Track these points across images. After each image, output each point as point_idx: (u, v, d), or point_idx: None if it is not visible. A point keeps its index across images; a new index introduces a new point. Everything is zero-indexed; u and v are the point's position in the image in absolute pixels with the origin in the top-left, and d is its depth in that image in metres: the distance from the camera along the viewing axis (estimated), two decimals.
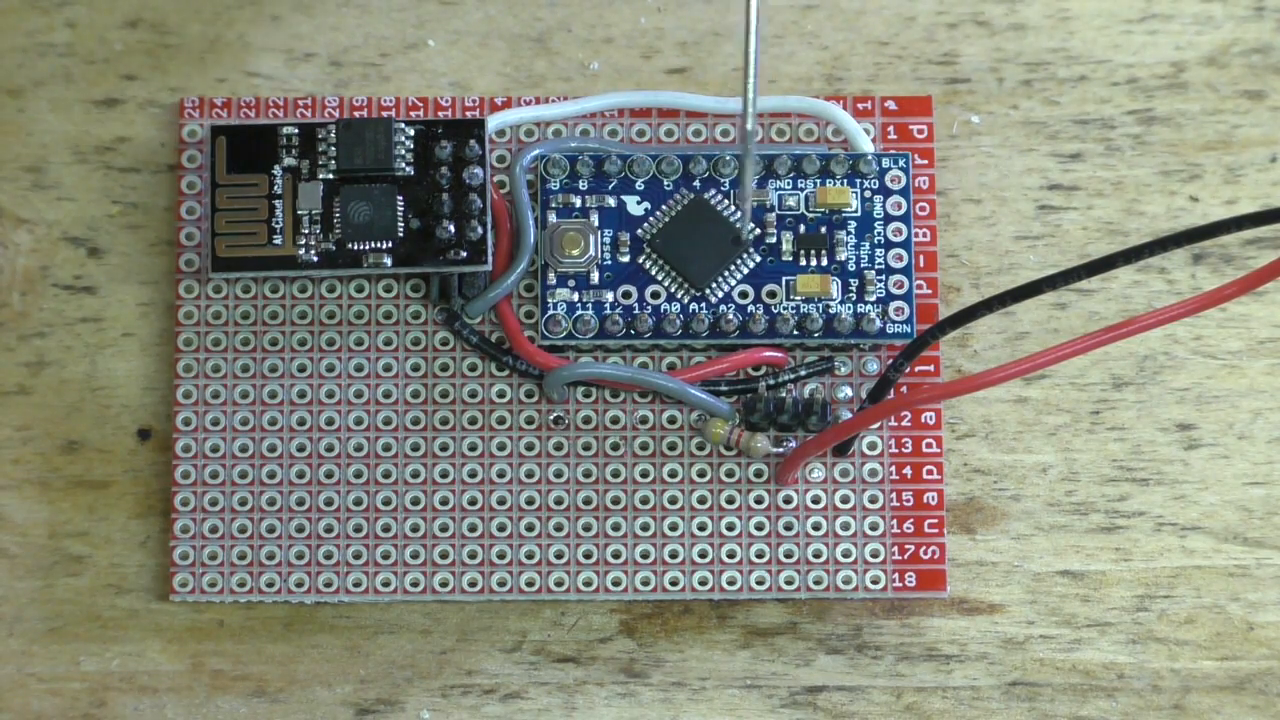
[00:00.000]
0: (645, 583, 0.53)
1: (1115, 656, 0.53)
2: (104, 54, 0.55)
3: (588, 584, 0.53)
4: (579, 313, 0.53)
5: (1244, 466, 0.54)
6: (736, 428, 0.53)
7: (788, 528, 0.53)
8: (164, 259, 0.55)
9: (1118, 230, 0.55)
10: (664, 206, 0.53)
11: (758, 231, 0.52)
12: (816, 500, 0.53)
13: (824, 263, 0.53)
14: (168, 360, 0.54)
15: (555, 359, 0.53)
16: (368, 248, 0.52)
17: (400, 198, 0.52)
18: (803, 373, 0.53)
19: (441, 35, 0.56)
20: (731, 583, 0.53)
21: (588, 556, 0.53)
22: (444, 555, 0.53)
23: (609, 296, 0.53)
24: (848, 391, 0.54)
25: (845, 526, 0.53)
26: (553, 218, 0.53)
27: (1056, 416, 0.54)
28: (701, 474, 0.53)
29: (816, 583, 0.53)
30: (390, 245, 0.52)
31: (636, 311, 0.53)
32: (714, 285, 0.53)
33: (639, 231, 0.53)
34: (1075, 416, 0.54)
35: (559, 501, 0.53)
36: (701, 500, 0.53)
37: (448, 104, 0.55)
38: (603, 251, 0.53)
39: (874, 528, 0.53)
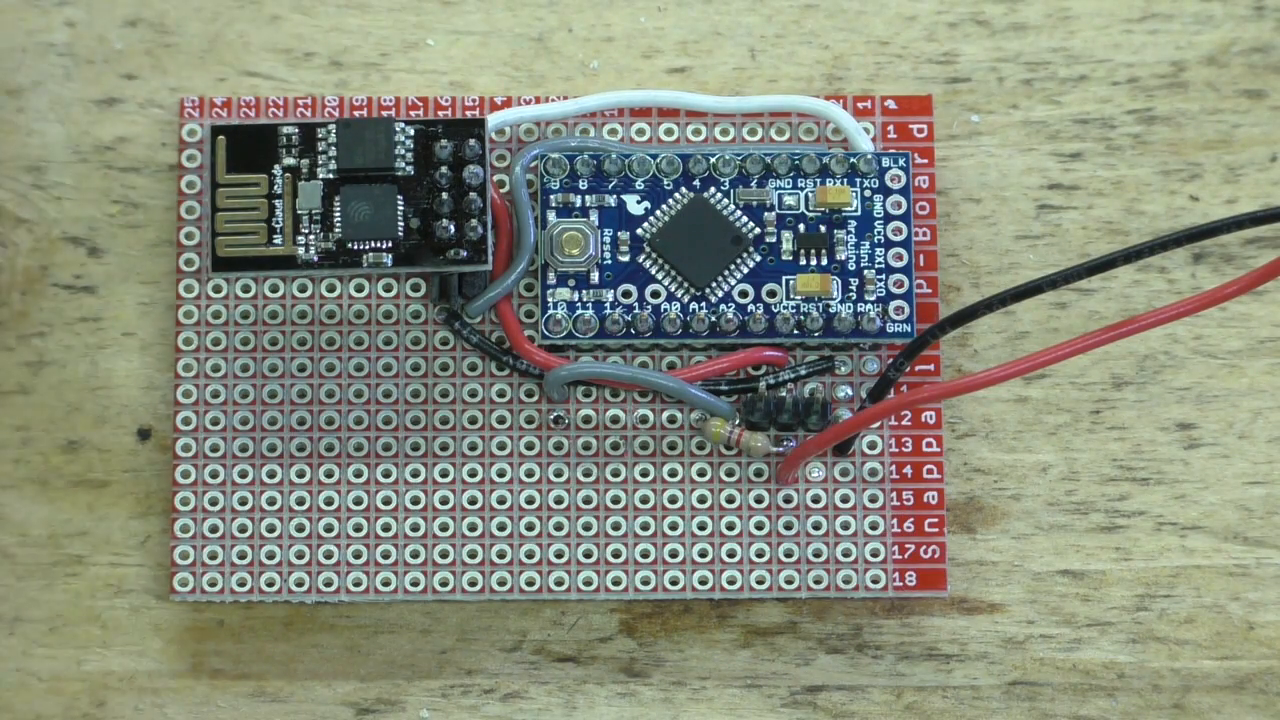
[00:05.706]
0: (645, 582, 0.53)
1: (1115, 656, 0.53)
2: (104, 54, 0.55)
3: (588, 583, 0.53)
4: (579, 312, 0.53)
5: (1244, 466, 0.54)
6: (736, 427, 0.53)
7: (788, 527, 0.53)
8: (164, 259, 0.55)
9: (1118, 230, 0.55)
10: (664, 206, 0.53)
11: None
12: (816, 499, 0.53)
13: (824, 262, 0.53)
14: (168, 360, 0.54)
15: (555, 358, 0.53)
16: (368, 247, 0.52)
17: (400, 197, 0.52)
18: (803, 372, 0.53)
19: (441, 35, 0.56)
20: (732, 582, 0.53)
21: (588, 556, 0.53)
22: (444, 555, 0.53)
23: (609, 296, 0.53)
24: (848, 391, 0.54)
25: (845, 526, 0.53)
26: (553, 217, 0.53)
27: (1056, 416, 0.54)
28: (701, 473, 0.53)
29: (816, 582, 0.53)
30: (390, 245, 0.52)
31: (636, 311, 0.53)
32: (714, 285, 0.53)
33: (639, 231, 0.53)
34: (1075, 416, 0.54)
35: (559, 501, 0.53)
36: (701, 499, 0.53)
37: (448, 104, 0.55)
38: (603, 251, 0.53)
39: (874, 527, 0.53)
